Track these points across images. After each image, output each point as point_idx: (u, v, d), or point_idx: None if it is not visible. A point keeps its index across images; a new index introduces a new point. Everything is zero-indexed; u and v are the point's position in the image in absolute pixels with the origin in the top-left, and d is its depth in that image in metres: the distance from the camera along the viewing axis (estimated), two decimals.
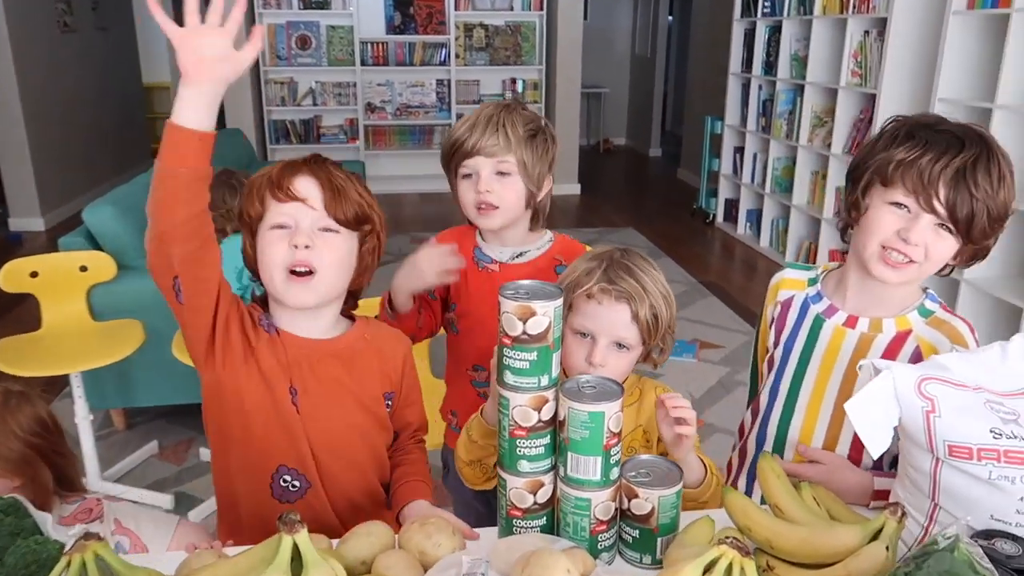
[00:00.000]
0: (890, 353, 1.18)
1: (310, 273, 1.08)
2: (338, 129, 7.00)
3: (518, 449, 0.98)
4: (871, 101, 4.17)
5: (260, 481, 1.14)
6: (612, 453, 0.96)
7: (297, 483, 1.15)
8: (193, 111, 0.95)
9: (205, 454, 2.75)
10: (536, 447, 0.98)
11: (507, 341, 0.95)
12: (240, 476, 1.15)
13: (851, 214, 1.18)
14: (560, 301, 0.95)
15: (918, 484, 0.96)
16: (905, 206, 1.11)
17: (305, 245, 1.07)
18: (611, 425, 0.95)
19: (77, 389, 2.44)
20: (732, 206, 5.81)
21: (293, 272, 1.08)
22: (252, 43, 0.97)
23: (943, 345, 1.13)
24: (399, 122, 7.03)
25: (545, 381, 0.96)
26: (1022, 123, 3.20)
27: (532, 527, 1.01)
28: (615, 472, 0.97)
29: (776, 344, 1.31)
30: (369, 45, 6.79)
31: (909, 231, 1.10)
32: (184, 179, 0.96)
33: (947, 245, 1.11)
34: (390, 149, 7.11)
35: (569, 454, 0.96)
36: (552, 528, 1.02)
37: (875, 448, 0.90)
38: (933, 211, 1.09)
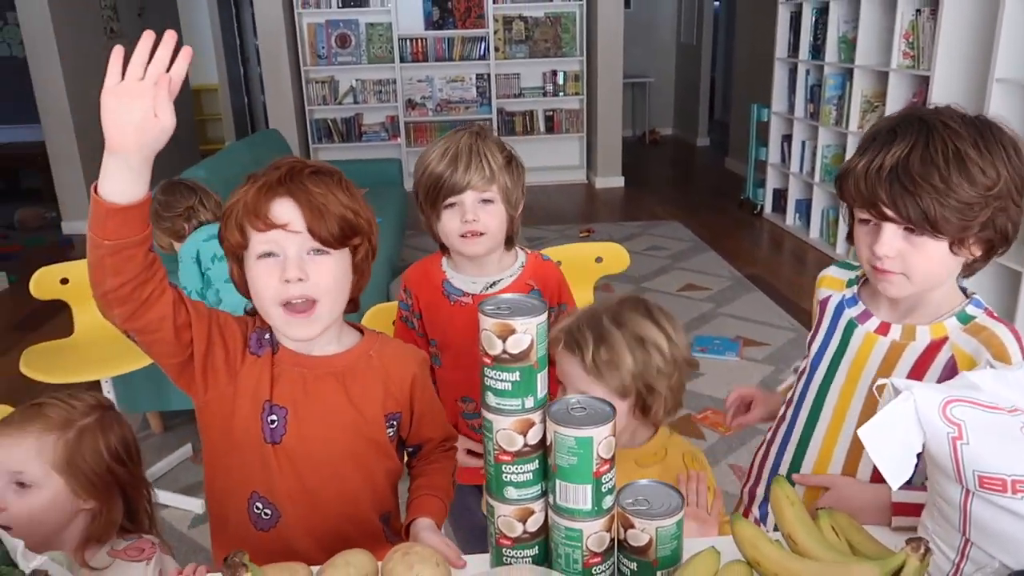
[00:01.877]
0: (922, 363, 1.08)
1: (309, 305, 1.02)
2: (379, 127, 7.01)
3: (504, 475, 0.92)
4: (924, 83, 3.96)
5: (238, 504, 1.10)
6: (604, 481, 0.88)
7: (268, 512, 1.10)
8: (117, 182, 0.87)
9: None
10: (523, 473, 0.91)
11: (487, 361, 0.88)
12: (224, 496, 1.12)
13: (849, 237, 1.13)
14: (543, 317, 0.88)
15: (947, 516, 0.86)
16: (868, 219, 1.03)
17: (298, 278, 1.00)
18: (601, 451, 0.87)
19: (109, 394, 2.47)
20: (780, 196, 5.61)
21: (289, 305, 1.02)
22: (160, 100, 0.85)
23: (981, 354, 1.03)
24: (440, 118, 7.00)
25: (530, 403, 0.89)
26: None
27: (523, 557, 0.94)
28: (608, 501, 0.90)
29: (810, 346, 1.23)
30: (408, 41, 6.77)
31: (874, 245, 1.02)
32: (108, 249, 0.89)
33: (928, 249, 1.00)
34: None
35: (558, 481, 0.89)
36: (545, 558, 0.96)
37: (894, 479, 0.80)
38: (887, 219, 1.00)
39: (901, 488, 1.05)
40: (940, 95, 3.76)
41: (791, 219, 5.42)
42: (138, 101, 0.85)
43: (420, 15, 6.77)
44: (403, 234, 4.59)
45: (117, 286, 0.91)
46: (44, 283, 2.48)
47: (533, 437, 0.90)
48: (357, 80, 6.85)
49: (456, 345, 1.43)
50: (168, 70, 0.86)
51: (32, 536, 1.04)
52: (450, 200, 1.37)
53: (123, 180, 0.87)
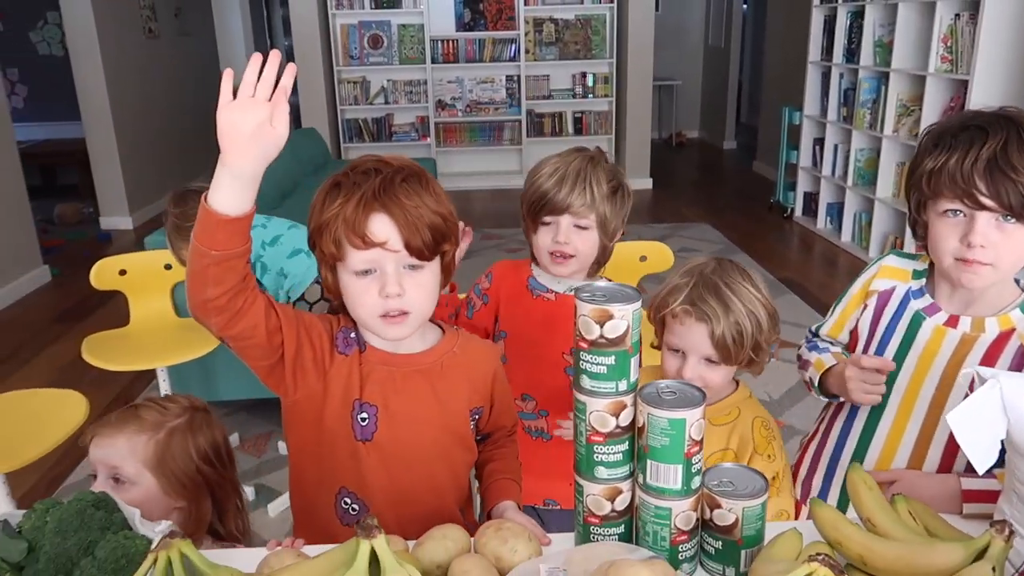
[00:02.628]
0: (991, 354, 1.11)
1: (403, 314, 1.05)
2: (409, 127, 7.08)
3: (595, 455, 0.96)
4: (963, 88, 3.96)
5: (326, 499, 1.14)
6: (694, 461, 0.92)
7: (356, 507, 1.13)
8: (227, 195, 0.90)
9: (283, 447, 2.82)
10: (614, 453, 0.95)
11: (584, 345, 0.92)
12: (310, 491, 1.15)
13: (917, 232, 1.17)
14: (638, 304, 0.92)
15: None
16: (958, 211, 1.08)
17: (397, 294, 1.03)
18: (693, 433, 0.91)
19: (163, 383, 2.54)
20: (811, 199, 5.62)
21: (386, 316, 1.05)
22: (279, 111, 0.90)
23: None
24: (469, 119, 7.06)
25: (623, 386, 0.93)
26: None
27: (610, 535, 0.99)
28: (696, 481, 0.94)
29: (871, 338, 1.25)
30: (439, 42, 6.84)
31: (969, 235, 1.07)
32: (214, 259, 0.92)
33: (1018, 236, 1.06)
34: (461, 146, 7.15)
35: (648, 462, 0.93)
36: (630, 536, 1.00)
37: (981, 464, 0.84)
38: (983, 207, 1.05)
39: (967, 477, 1.09)
40: (979, 99, 3.77)
41: (822, 222, 5.42)
42: (251, 113, 0.88)
43: (452, 16, 6.83)
44: None
45: (217, 295, 0.94)
46: (104, 274, 2.56)
47: (625, 419, 0.94)
48: (388, 80, 6.93)
49: (527, 338, 1.47)
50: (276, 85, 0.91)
51: None
52: (547, 219, 1.40)
53: (234, 191, 0.90)
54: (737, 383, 1.27)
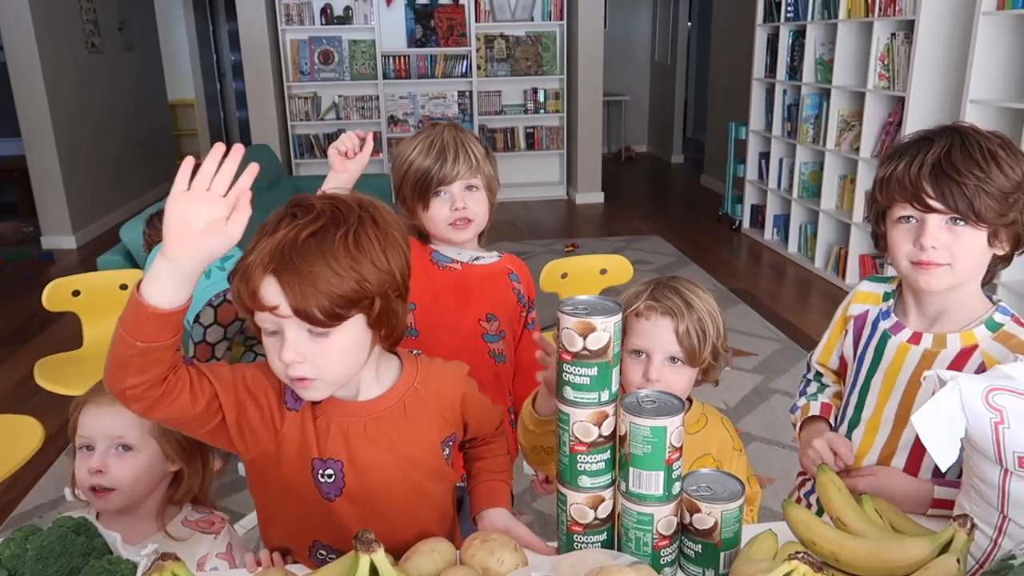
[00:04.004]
0: (953, 369, 1.16)
1: (311, 381, 0.97)
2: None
3: (579, 464, 0.98)
4: (900, 104, 4.13)
5: (300, 551, 1.11)
6: (674, 468, 0.96)
7: (333, 555, 1.09)
8: (162, 288, 0.85)
9: (243, 469, 2.77)
10: (596, 462, 0.98)
11: (567, 357, 0.95)
12: (282, 542, 1.13)
13: (879, 244, 1.22)
14: (619, 317, 0.95)
15: (985, 496, 0.95)
16: (910, 217, 1.14)
17: (295, 361, 0.94)
18: (673, 440, 0.94)
19: None
20: (758, 212, 5.77)
21: (294, 380, 0.97)
22: (239, 213, 0.86)
23: (1008, 360, 1.12)
24: None
25: (605, 396, 0.96)
26: None
27: (593, 542, 1.01)
28: (677, 487, 0.97)
29: (852, 360, 1.31)
30: (391, 58, 6.84)
31: (921, 237, 1.12)
32: (139, 350, 0.86)
33: (970, 239, 1.12)
34: None
35: (631, 469, 0.96)
36: (613, 543, 1.02)
37: (943, 461, 0.89)
38: (931, 210, 1.11)
39: (942, 486, 1.14)
40: (916, 115, 3.94)
41: (769, 234, 5.57)
42: (204, 207, 0.85)
43: (403, 33, 6.85)
44: None
45: (136, 384, 0.88)
46: (56, 296, 2.49)
47: (607, 428, 0.97)
48: (340, 96, 6.90)
49: (441, 307, 1.48)
50: (233, 183, 0.87)
51: (132, 496, 1.18)
52: (439, 190, 1.45)
53: (172, 285, 0.85)
54: (691, 401, 1.30)
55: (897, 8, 4.08)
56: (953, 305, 1.17)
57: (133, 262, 2.82)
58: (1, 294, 4.69)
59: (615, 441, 0.99)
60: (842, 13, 4.52)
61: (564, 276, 2.58)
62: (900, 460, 1.21)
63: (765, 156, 5.65)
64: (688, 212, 6.75)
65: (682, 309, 1.18)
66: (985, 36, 3.46)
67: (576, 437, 0.97)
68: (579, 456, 0.98)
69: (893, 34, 4.17)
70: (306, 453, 1.03)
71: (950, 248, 1.11)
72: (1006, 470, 0.91)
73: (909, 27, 4.01)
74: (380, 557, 0.70)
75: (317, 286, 0.90)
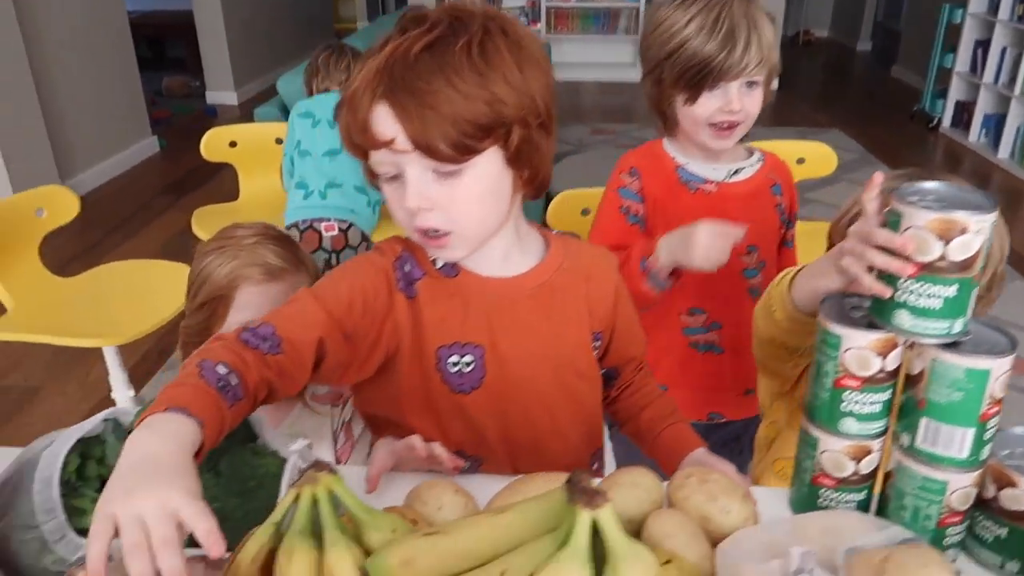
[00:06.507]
0: None
1: (443, 235, 0.79)
2: (519, 11, 6.66)
3: (842, 403, 0.73)
4: None
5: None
6: (988, 426, 0.69)
7: (467, 463, 0.89)
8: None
9: None
10: (871, 403, 0.73)
11: (911, 270, 0.67)
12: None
13: None
14: (996, 214, 0.67)
15: None
16: None
17: (420, 207, 0.77)
18: (995, 389, 0.68)
19: None
20: (964, 109, 5.02)
21: (424, 233, 0.80)
22: None
23: None
24: (583, 4, 6.59)
25: (958, 327, 0.68)
26: None
27: (846, 502, 0.77)
28: (987, 451, 0.71)
29: None
30: None
31: None
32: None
33: None
34: (572, 33, 6.71)
35: (924, 420, 0.70)
36: (868, 506, 0.78)
37: None
38: None
39: None
40: None
41: (975, 135, 4.85)
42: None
43: None
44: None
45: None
46: (214, 145, 2.43)
47: (892, 361, 0.71)
48: None
49: None
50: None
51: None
52: (717, 84, 1.14)
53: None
54: None
55: None
56: None
57: (288, 116, 2.72)
58: (169, 144, 4.82)
59: (898, 379, 0.73)
60: None
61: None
62: None
63: (983, 44, 4.84)
64: (874, 106, 6.01)
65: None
66: None
67: (845, 368, 0.72)
68: (846, 393, 0.73)
69: None
70: (433, 341, 0.85)
71: None
72: None
73: None
74: (608, 515, 0.50)
75: (439, 109, 0.72)
